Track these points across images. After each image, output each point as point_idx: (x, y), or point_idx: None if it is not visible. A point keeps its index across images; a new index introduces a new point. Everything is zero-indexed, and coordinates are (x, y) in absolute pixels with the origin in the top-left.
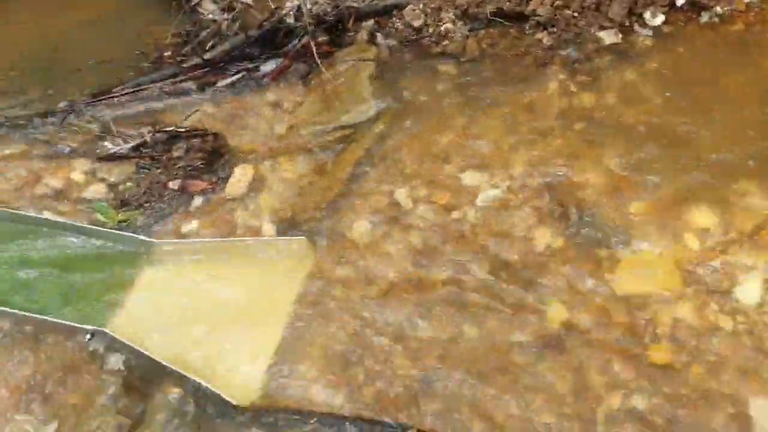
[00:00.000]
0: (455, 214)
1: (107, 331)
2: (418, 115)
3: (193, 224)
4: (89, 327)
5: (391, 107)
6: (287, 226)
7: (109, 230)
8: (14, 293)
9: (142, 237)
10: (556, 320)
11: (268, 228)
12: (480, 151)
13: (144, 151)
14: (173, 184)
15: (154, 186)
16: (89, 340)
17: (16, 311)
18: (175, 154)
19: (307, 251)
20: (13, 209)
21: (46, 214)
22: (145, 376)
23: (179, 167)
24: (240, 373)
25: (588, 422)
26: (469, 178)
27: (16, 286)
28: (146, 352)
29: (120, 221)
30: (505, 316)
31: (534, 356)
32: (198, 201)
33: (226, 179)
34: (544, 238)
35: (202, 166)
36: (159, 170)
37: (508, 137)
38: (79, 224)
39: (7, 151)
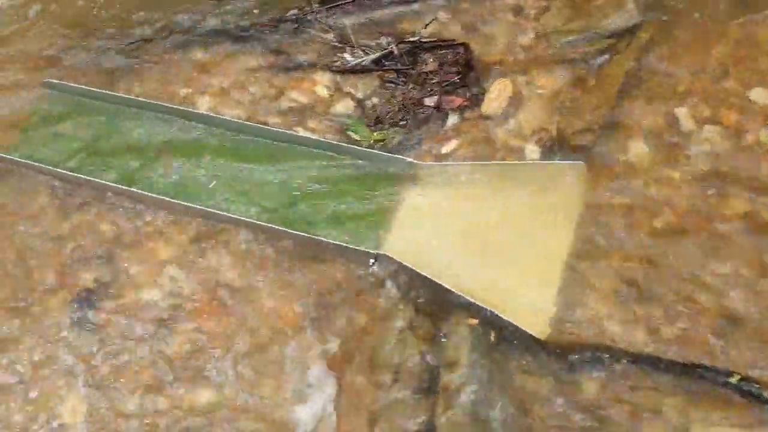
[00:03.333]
0: (747, 137)
1: (390, 255)
2: (687, 22)
3: (451, 144)
4: (371, 251)
5: (655, 13)
6: (553, 148)
7: (371, 150)
8: (286, 213)
9: (408, 158)
10: None
11: (532, 150)
12: (765, 65)
13: (387, 63)
14: (429, 101)
15: (407, 103)
16: (372, 264)
17: (297, 232)
18: (427, 68)
19: (581, 176)
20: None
21: (300, 132)
22: (433, 304)
23: (434, 82)
24: (529, 304)
25: None
26: (758, 95)
27: (286, 206)
28: (434, 279)
29: (376, 140)
30: None
31: None
32: (453, 119)
33: (480, 95)
34: None
35: (457, 80)
36: (410, 85)
37: None
38: (338, 143)
39: (245, 63)
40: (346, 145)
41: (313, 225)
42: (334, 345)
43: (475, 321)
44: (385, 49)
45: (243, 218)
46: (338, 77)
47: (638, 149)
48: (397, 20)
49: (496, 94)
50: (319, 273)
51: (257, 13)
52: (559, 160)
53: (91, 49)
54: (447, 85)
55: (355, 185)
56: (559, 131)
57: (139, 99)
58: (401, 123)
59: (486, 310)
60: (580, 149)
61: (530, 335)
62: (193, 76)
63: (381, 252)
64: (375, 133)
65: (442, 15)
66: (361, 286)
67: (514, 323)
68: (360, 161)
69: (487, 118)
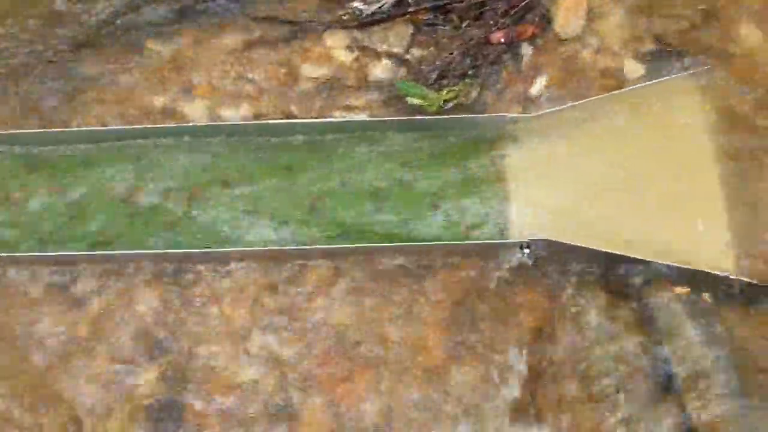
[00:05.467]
0: None
1: (531, 235)
2: None
3: (538, 83)
4: (516, 241)
5: None
6: (654, 59)
7: (453, 116)
8: (370, 226)
9: (509, 114)
10: None
11: (632, 66)
12: None
13: (412, 1)
14: (497, 37)
15: (468, 45)
16: (525, 252)
17: (401, 244)
18: None
19: (700, 81)
20: (304, 120)
21: (343, 116)
22: (611, 278)
23: (493, 12)
24: (709, 243)
25: None
26: None
27: (367, 214)
28: (597, 248)
29: (446, 100)
30: None
31: None
32: (528, 53)
33: (546, 17)
34: None
35: (514, 5)
36: (454, 24)
37: None
38: (409, 119)
39: (224, 45)
40: (420, 118)
41: (412, 231)
42: (515, 386)
43: (685, 290)
44: None
45: (327, 246)
46: (356, 33)
47: (751, 34)
48: None
49: (568, 11)
50: (448, 290)
51: None
52: (666, 68)
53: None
54: (514, 13)
55: (445, 162)
56: (654, 37)
57: (109, 129)
58: (469, 72)
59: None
60: (684, 51)
61: (745, 282)
62: (164, 76)
63: (518, 235)
64: (443, 92)
65: None
66: (513, 285)
67: (707, 270)
68: (437, 133)
69: (565, 41)
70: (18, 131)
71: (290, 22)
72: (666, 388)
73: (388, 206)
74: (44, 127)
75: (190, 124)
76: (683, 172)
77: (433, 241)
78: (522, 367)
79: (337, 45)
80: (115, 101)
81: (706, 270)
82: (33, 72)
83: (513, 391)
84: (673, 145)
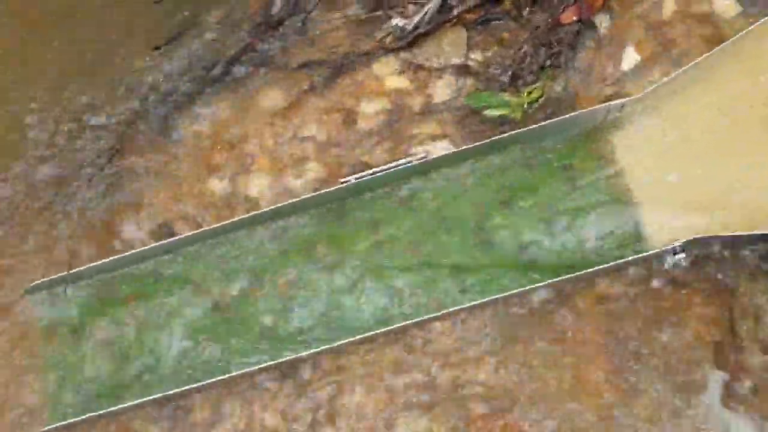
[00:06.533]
0: None
1: (695, 236)
2: None
3: (627, 54)
4: (667, 247)
5: None
6: None
7: (548, 122)
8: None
9: (614, 102)
10: None
11: (723, 4)
12: None
13: (455, 2)
14: (568, 16)
15: (538, 34)
16: (678, 257)
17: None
18: None
19: None
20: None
21: (424, 153)
22: None
23: None
24: None
25: None
26: None
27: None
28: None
29: (532, 101)
30: None
31: None
32: (605, 23)
33: None
34: None
35: None
36: (514, 12)
37: None
38: (497, 138)
39: (264, 104)
40: (504, 136)
41: (539, 258)
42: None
43: None
44: None
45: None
46: (404, 54)
47: None
48: None
49: None
50: (608, 315)
51: (220, 39)
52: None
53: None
54: (575, 2)
55: (547, 174)
56: None
57: (169, 241)
58: (547, 64)
59: None
60: None
61: None
62: (208, 155)
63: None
64: (524, 93)
65: None
66: (673, 295)
67: None
68: (532, 143)
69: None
70: (98, 263)
71: (327, 61)
72: None
73: (500, 240)
74: (109, 249)
75: (266, 209)
76: None
77: (565, 264)
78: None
79: (388, 72)
80: (171, 197)
81: None
82: (76, 197)
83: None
84: None
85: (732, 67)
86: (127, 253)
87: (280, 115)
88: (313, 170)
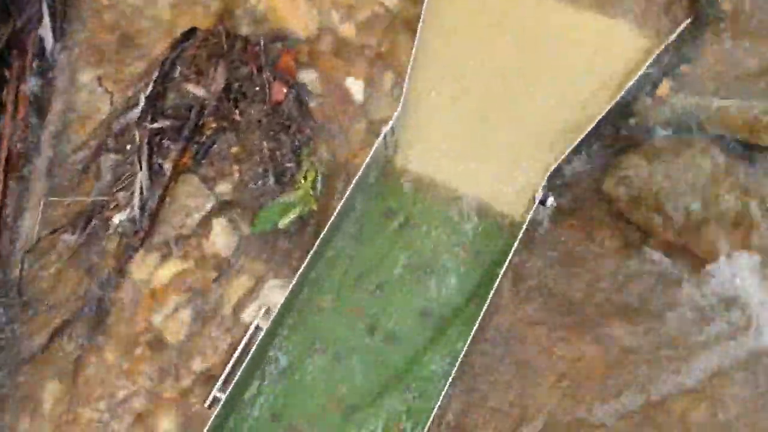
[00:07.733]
0: None
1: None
2: None
3: (353, 85)
4: None
5: None
6: None
7: (337, 210)
8: None
9: (374, 147)
10: None
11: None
12: None
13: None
14: (278, 91)
15: (265, 126)
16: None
17: None
18: (218, 84)
19: None
20: None
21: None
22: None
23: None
24: None
25: None
26: None
27: None
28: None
29: (313, 185)
30: None
31: None
32: (311, 75)
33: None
34: None
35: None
36: (228, 122)
37: None
38: (310, 254)
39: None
40: (320, 237)
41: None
42: None
43: None
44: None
45: None
46: (154, 240)
47: None
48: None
49: None
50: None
51: None
52: None
53: None
54: (275, 78)
55: (383, 230)
56: None
57: None
58: (296, 143)
59: None
60: None
61: None
62: None
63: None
64: (302, 180)
65: None
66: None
67: None
68: (353, 209)
69: None
70: None
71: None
72: None
73: None
74: None
75: None
76: None
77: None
78: None
79: (152, 267)
80: None
81: None
82: None
83: None
84: None
85: (442, 40)
86: None
87: None
88: None
